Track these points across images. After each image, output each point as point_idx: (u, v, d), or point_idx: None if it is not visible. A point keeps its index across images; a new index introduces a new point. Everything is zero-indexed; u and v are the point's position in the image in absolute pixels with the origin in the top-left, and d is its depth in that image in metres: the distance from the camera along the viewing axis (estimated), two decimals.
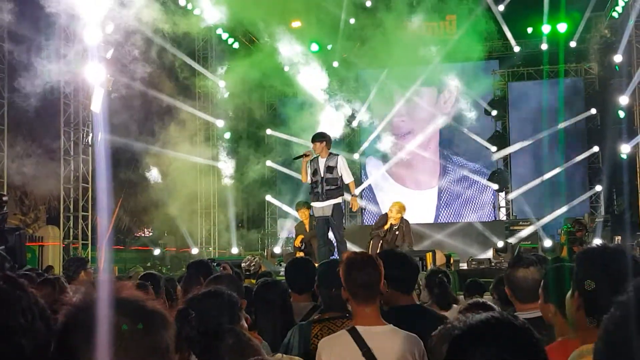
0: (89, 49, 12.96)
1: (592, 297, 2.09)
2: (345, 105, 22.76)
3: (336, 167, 9.51)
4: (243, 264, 7.36)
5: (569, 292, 2.19)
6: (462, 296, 7.24)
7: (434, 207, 21.84)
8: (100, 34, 12.89)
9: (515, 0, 20.01)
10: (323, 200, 9.50)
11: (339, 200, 9.58)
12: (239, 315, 2.48)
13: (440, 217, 21.64)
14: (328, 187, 9.45)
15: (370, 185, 22.45)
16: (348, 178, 9.65)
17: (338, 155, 9.73)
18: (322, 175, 9.46)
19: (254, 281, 6.54)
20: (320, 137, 9.69)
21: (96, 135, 12.95)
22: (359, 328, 3.14)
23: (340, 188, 9.56)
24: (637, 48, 17.91)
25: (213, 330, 2.16)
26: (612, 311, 1.23)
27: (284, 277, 5.11)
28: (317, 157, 9.60)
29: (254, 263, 7.36)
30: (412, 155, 21.49)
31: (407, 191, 21.58)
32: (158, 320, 1.23)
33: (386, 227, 10.73)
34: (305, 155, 9.65)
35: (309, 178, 9.65)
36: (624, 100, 17.99)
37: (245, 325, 2.58)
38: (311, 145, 9.75)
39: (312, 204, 9.83)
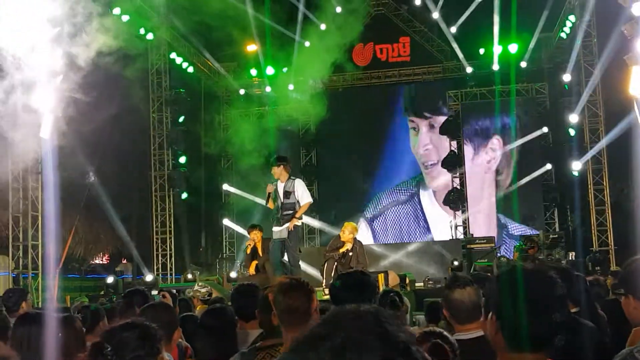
0: (38, 75, 12.71)
1: (509, 320, 2.05)
2: (301, 128, 22.82)
3: (293, 192, 9.48)
4: (189, 293, 7.24)
5: (488, 315, 2.15)
6: (423, 316, 7.25)
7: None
8: (50, 59, 12.67)
9: (467, 22, 20.34)
10: (280, 225, 9.51)
11: (293, 223, 9.56)
12: (158, 347, 2.39)
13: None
14: (285, 213, 9.46)
15: None
16: (306, 199, 9.61)
17: (295, 179, 9.69)
18: (281, 200, 9.44)
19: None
20: (279, 161, 9.66)
21: (45, 161, 12.66)
22: None
23: (297, 211, 9.55)
24: (585, 67, 18.32)
25: None
26: None
27: None
28: (277, 181, 9.57)
29: (205, 290, 7.24)
30: None
31: None
32: None
33: (342, 250, 10.65)
34: (269, 193, 9.67)
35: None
36: (573, 118, 18.34)
37: (166, 357, 2.50)
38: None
39: (273, 228, 9.79)
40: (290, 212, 9.48)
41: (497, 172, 21.09)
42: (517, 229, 20.39)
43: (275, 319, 3.11)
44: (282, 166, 9.54)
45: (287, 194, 9.46)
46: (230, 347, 4.26)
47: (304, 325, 3.06)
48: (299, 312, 3.04)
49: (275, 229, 9.65)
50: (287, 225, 9.50)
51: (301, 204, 9.60)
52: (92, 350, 2.30)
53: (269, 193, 9.65)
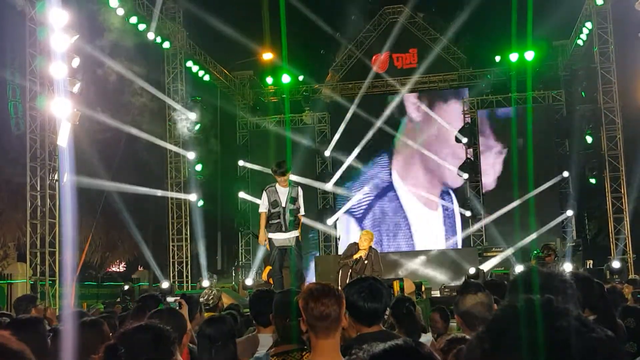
0: (55, 83, 12.85)
1: None
2: (317, 136, 22.85)
3: (298, 198, 9.28)
4: (201, 298, 7.21)
5: None
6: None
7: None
8: (66, 68, 12.80)
9: (483, 30, 20.33)
10: (287, 232, 9.24)
11: (299, 232, 9.38)
12: (171, 350, 2.39)
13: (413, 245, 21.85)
14: (292, 218, 9.18)
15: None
16: (303, 210, 9.43)
17: (298, 186, 9.46)
18: (284, 206, 9.14)
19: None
20: (285, 168, 9.34)
21: (62, 169, 12.76)
22: None
23: (299, 220, 9.37)
24: (602, 74, 18.21)
25: None
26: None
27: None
28: (274, 186, 9.21)
29: (212, 296, 7.20)
30: None
31: None
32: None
33: (356, 256, 10.61)
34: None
35: (267, 212, 9.22)
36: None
37: (180, 359, 2.50)
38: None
39: (274, 235, 9.25)
40: (294, 218, 9.25)
41: None
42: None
43: (305, 325, 3.06)
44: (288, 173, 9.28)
45: (293, 200, 9.22)
46: (228, 358, 4.25)
47: (335, 332, 3.03)
48: (331, 318, 3.00)
49: (280, 236, 9.19)
50: (296, 232, 9.28)
51: (301, 212, 9.40)
52: (105, 352, 2.30)
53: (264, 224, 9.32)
